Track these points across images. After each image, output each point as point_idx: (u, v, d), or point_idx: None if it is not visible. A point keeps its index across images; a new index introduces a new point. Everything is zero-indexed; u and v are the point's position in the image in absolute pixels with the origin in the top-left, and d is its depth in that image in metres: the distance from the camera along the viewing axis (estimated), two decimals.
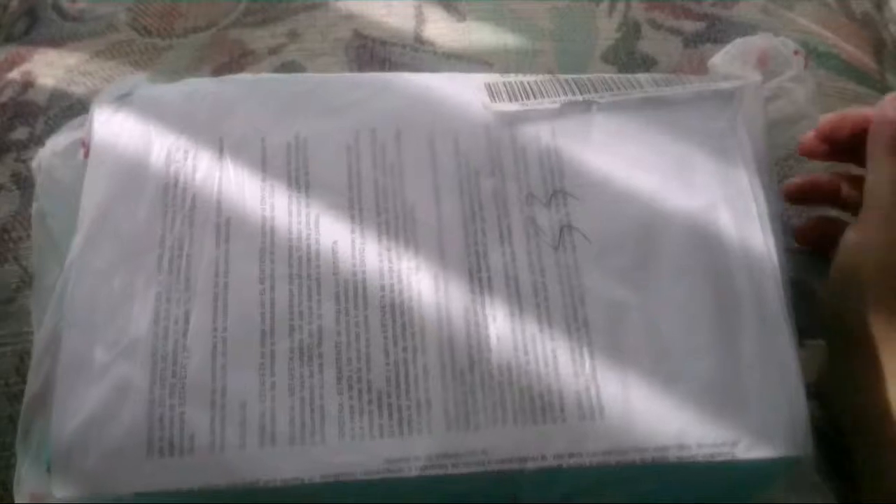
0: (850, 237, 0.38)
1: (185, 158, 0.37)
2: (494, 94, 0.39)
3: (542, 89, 0.39)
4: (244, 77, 0.41)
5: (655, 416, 0.33)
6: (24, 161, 0.51)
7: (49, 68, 0.55)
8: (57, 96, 0.54)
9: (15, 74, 0.55)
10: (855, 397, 0.36)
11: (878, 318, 0.35)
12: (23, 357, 0.44)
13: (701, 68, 0.53)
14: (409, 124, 0.39)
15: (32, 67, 0.55)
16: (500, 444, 0.33)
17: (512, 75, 0.41)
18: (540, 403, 0.33)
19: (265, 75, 0.42)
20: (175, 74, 0.54)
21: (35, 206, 0.40)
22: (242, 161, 0.37)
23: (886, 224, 0.37)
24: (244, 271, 0.35)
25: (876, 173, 0.38)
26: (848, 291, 0.37)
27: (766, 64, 0.41)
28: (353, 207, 0.37)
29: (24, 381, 0.42)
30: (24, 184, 0.50)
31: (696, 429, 0.33)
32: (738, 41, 0.42)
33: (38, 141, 0.52)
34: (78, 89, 0.54)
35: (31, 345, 0.44)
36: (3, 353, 0.44)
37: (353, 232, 0.36)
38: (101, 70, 0.55)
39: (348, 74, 0.52)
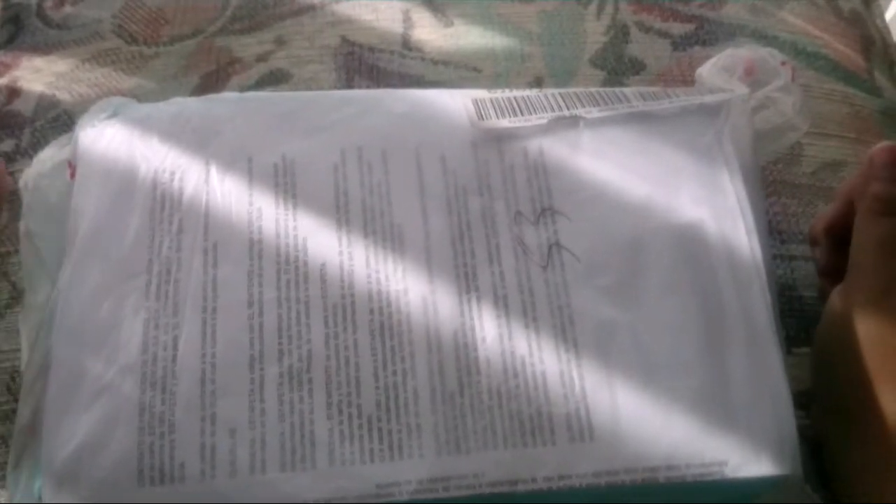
0: (835, 303, 0.37)
1: (172, 180, 0.37)
2: (482, 111, 0.39)
3: (530, 105, 0.39)
4: (230, 95, 0.41)
5: (645, 436, 0.33)
6: (10, 174, 0.51)
7: (35, 77, 0.55)
8: (43, 106, 0.53)
9: (0, 83, 0.55)
10: (845, 455, 0.37)
11: (866, 391, 0.35)
12: (13, 375, 0.44)
13: (690, 71, 0.53)
14: (396, 143, 0.38)
15: (18, 75, 0.55)
16: (490, 467, 0.33)
17: (499, 91, 0.41)
18: (530, 426, 0.33)
19: (251, 94, 0.42)
20: (163, 82, 0.54)
21: (22, 225, 0.40)
22: (229, 183, 0.37)
23: (870, 289, 0.36)
24: (232, 296, 0.35)
25: (859, 236, 0.37)
26: (834, 359, 0.37)
27: (753, 74, 0.41)
28: (341, 229, 0.36)
29: (16, 400, 0.42)
30: (10, 197, 0.50)
31: (685, 449, 0.33)
32: (726, 52, 0.41)
33: (25, 153, 0.51)
34: (65, 98, 0.54)
35: (21, 363, 0.44)
36: None
37: (341, 254, 0.36)
38: (89, 78, 0.55)
39: (334, 91, 0.51)
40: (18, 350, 0.44)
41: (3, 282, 0.47)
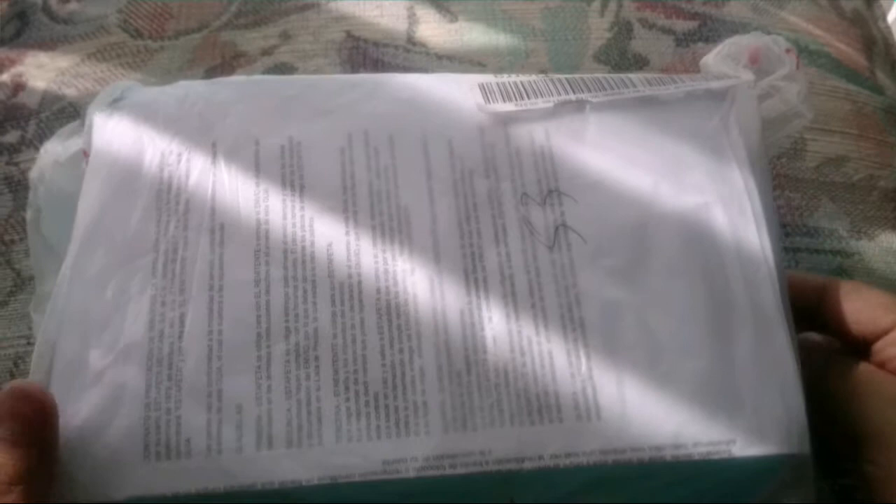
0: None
1: (179, 162, 0.37)
2: (488, 95, 0.39)
3: (536, 89, 0.39)
4: (236, 79, 0.41)
5: (651, 415, 0.33)
6: (16, 164, 0.51)
7: (40, 71, 0.55)
8: (49, 99, 0.54)
9: (5, 77, 0.55)
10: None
11: None
12: (17, 361, 0.44)
13: (693, 67, 0.53)
14: (403, 126, 0.38)
15: (23, 70, 0.55)
16: (497, 444, 0.33)
17: (505, 75, 0.41)
18: (537, 404, 0.33)
19: (257, 77, 0.42)
20: (168, 76, 0.54)
21: (30, 213, 0.40)
22: (236, 164, 0.37)
23: None
24: (239, 274, 0.35)
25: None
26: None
27: (758, 62, 0.41)
28: (348, 210, 0.36)
29: None
30: (16, 187, 0.50)
31: (692, 428, 0.33)
32: (730, 40, 0.41)
33: (30, 144, 0.52)
34: (70, 92, 0.54)
35: (24, 349, 0.44)
36: None
37: (347, 234, 0.36)
38: (94, 72, 0.55)
39: (340, 76, 0.52)
40: (22, 337, 0.45)
41: (7, 269, 0.47)
